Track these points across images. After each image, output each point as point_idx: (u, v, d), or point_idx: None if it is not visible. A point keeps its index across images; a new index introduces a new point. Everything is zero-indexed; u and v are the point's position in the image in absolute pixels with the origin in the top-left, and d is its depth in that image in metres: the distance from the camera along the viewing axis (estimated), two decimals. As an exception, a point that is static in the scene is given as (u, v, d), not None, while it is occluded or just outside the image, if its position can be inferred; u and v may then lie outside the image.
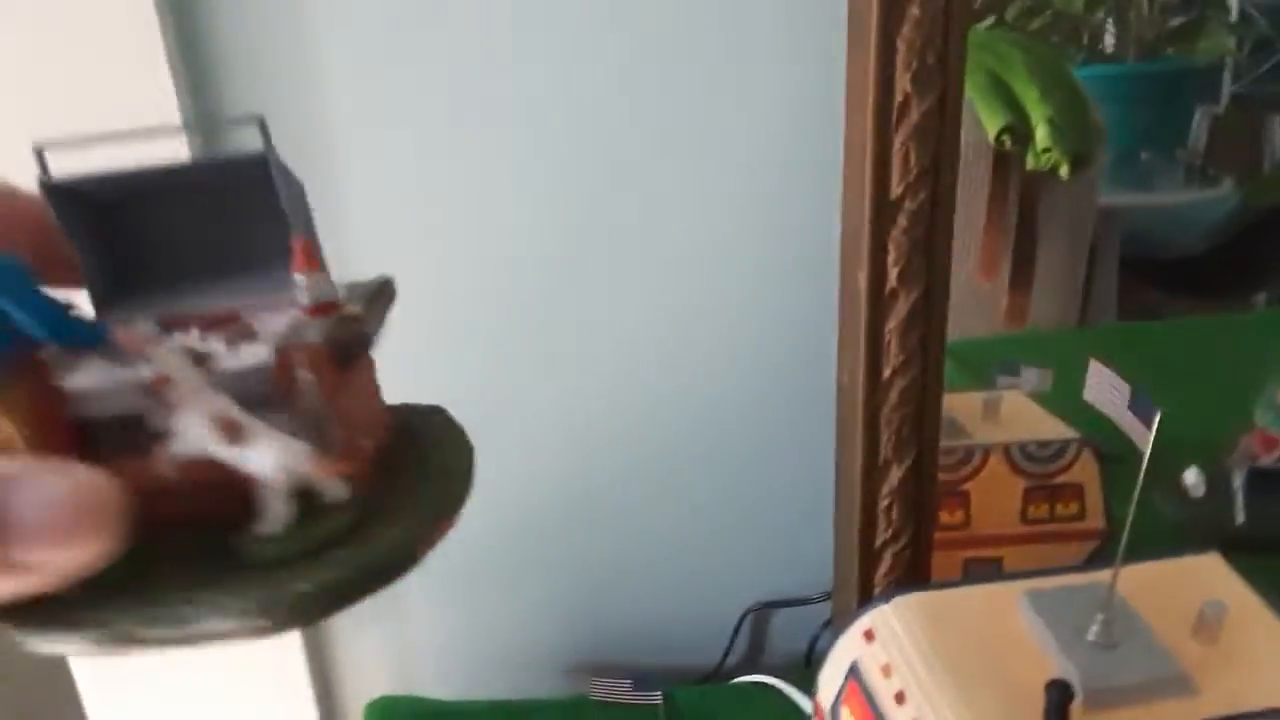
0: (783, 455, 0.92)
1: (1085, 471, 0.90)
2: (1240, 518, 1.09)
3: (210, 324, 0.33)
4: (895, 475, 0.74)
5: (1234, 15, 1.08)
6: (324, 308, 0.32)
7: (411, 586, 0.95)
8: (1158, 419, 0.55)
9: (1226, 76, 1.09)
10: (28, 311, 0.27)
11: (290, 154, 0.32)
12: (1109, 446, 0.92)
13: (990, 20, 1.04)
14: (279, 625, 0.28)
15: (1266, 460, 1.08)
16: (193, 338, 0.32)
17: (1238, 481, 1.10)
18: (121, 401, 0.29)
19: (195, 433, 0.29)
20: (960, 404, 0.97)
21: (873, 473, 0.74)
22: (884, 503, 0.75)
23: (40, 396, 0.29)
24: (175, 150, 0.32)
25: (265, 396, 0.30)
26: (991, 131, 0.99)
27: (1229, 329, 1.19)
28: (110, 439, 0.30)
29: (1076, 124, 1.04)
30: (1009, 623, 0.66)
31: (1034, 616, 0.66)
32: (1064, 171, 1.02)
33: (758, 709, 0.87)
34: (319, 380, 0.30)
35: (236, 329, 0.33)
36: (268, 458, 0.29)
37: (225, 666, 0.89)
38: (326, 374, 0.31)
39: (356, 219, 0.80)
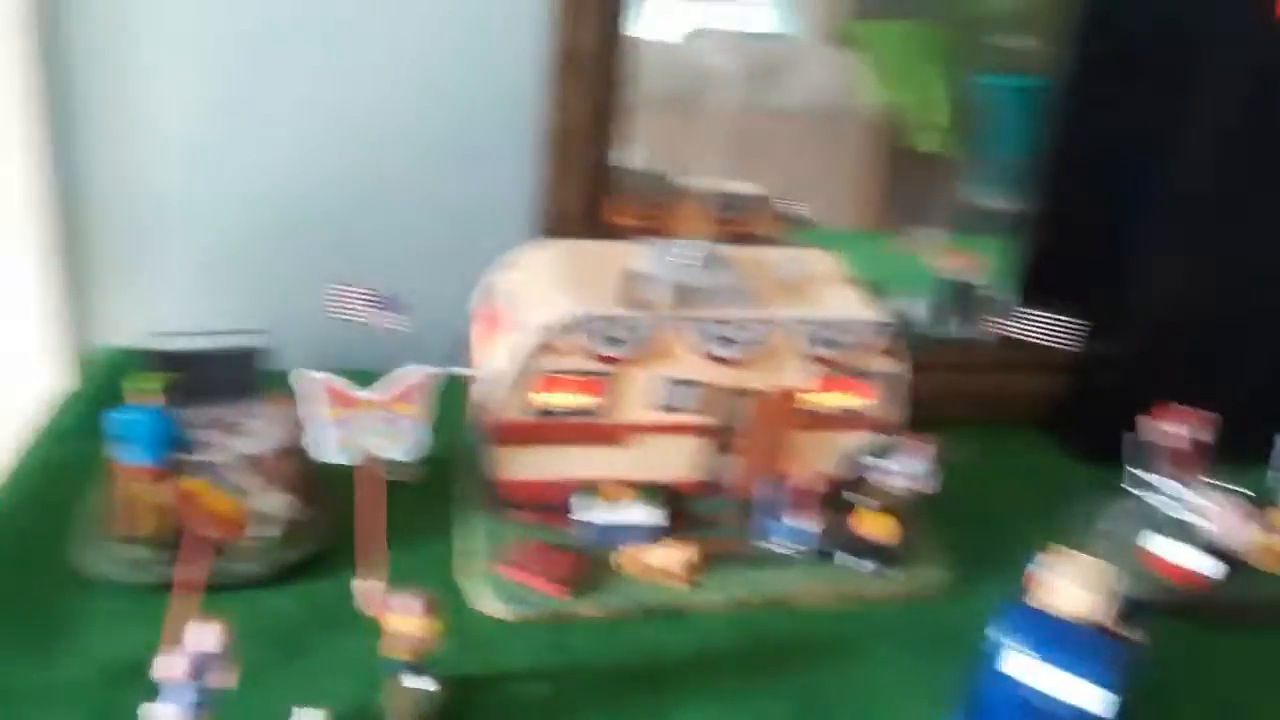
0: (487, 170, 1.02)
1: (767, 222, 1.04)
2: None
3: (226, 427, 0.78)
4: (576, 156, 0.87)
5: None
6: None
7: (164, 273, 1.04)
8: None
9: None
10: (177, 438, 0.72)
11: None
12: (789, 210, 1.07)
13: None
14: (260, 579, 0.73)
15: (964, 276, 1.24)
16: (219, 433, 0.78)
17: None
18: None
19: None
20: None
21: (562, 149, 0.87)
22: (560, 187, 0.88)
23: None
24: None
25: (256, 467, 0.76)
26: (885, 101, 1.10)
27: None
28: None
29: (950, 107, 1.18)
30: (632, 261, 0.79)
31: (650, 254, 0.79)
32: (937, 146, 1.15)
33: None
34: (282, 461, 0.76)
35: (234, 428, 0.79)
36: (269, 503, 0.74)
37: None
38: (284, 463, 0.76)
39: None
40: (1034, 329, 1.01)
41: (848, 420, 0.79)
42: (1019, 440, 1.08)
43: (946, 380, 1.05)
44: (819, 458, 0.80)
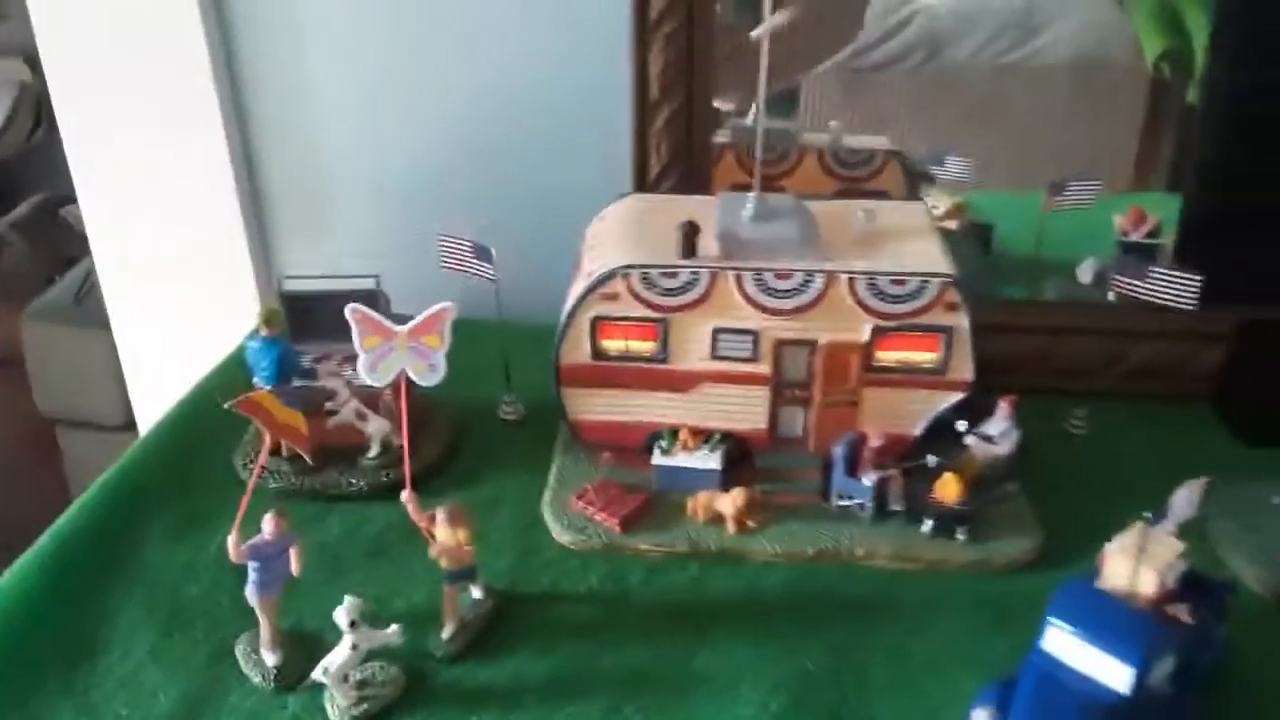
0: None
1: (892, 179, 1.01)
2: (1110, 296, 1.16)
3: (343, 360, 0.90)
4: (663, 116, 0.90)
5: None
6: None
7: (332, 228, 1.20)
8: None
9: None
10: (294, 365, 0.86)
11: None
12: (920, 166, 1.03)
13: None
14: (375, 491, 0.85)
15: (1135, 235, 1.14)
16: (335, 364, 0.90)
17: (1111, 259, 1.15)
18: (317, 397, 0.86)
19: (346, 414, 0.87)
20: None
21: (643, 112, 0.90)
22: (654, 141, 0.91)
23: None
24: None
25: (374, 399, 0.86)
26: (1150, 57, 0.98)
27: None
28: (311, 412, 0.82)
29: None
30: (701, 214, 0.81)
31: (718, 204, 0.81)
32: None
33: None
34: (394, 396, 0.81)
35: (353, 362, 0.79)
36: (374, 426, 0.86)
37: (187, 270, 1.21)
38: (395, 395, 0.81)
39: None
40: (1153, 288, 0.90)
41: (923, 379, 0.77)
42: (1177, 415, 0.96)
43: (1098, 346, 0.97)
44: (896, 417, 0.79)
